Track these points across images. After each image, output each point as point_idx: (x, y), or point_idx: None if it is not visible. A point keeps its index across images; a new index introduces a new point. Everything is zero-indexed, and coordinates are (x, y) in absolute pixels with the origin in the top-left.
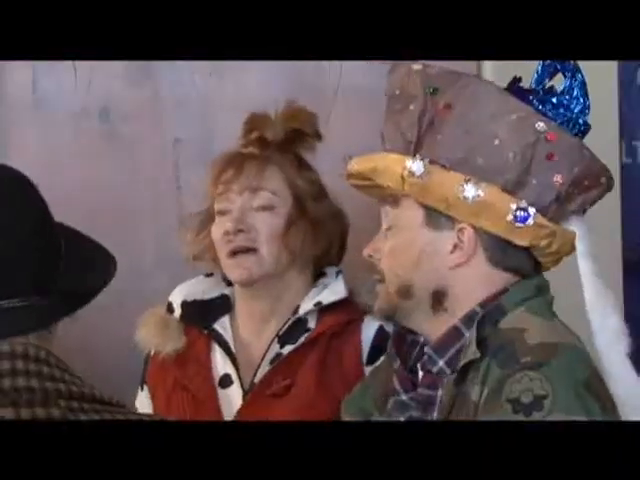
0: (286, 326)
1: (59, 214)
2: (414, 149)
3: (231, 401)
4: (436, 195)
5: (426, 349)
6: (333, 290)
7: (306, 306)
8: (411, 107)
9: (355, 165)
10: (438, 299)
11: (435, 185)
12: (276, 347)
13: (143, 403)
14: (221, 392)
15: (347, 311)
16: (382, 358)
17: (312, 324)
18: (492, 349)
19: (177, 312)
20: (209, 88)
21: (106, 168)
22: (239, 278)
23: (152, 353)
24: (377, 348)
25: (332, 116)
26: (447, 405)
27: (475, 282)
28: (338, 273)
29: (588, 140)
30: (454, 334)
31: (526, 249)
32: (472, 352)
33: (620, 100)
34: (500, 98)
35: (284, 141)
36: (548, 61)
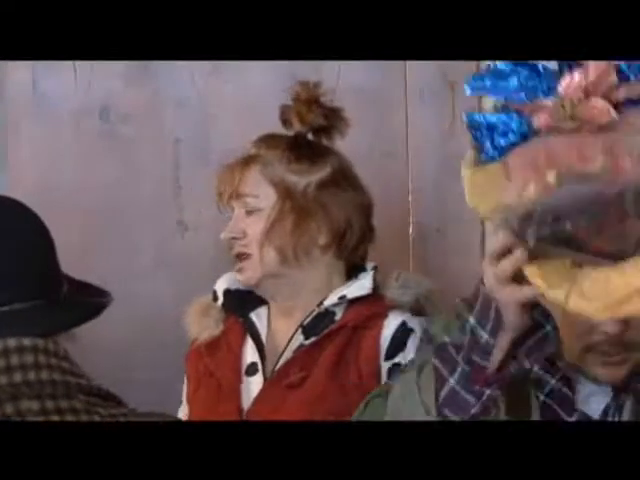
0: (310, 317)
1: (59, 214)
2: None
3: (252, 390)
4: None
5: None
6: (360, 285)
7: (331, 299)
8: None
9: None
10: None
11: None
12: (300, 338)
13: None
14: (246, 380)
15: (373, 305)
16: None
17: (339, 317)
18: None
19: (220, 300)
20: (209, 88)
21: (106, 168)
22: (240, 282)
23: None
24: (397, 344)
25: None
26: None
27: None
28: (375, 268)
29: None
30: None
31: None
32: None
33: None
34: None
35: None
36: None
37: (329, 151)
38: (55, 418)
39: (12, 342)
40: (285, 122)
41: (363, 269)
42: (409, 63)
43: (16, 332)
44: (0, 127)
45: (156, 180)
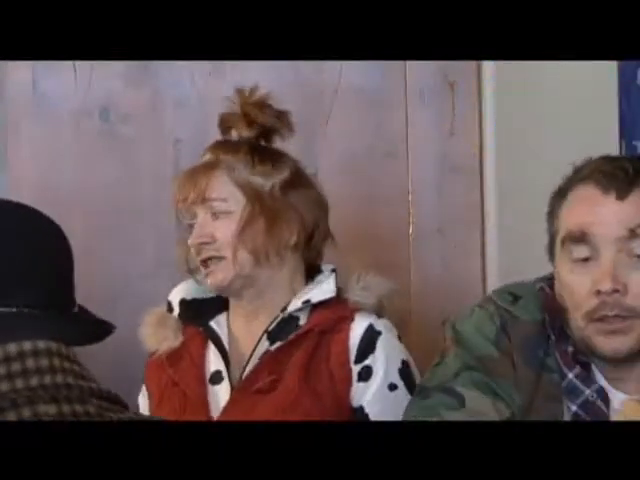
0: (275, 323)
1: (59, 214)
2: None
3: (220, 398)
4: None
5: None
6: (323, 289)
7: (295, 304)
8: None
9: None
10: None
11: None
12: (265, 344)
13: (142, 402)
14: (212, 389)
15: (338, 309)
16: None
17: (303, 321)
18: None
19: (176, 311)
20: (209, 88)
21: (106, 168)
22: (211, 286)
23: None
24: (365, 346)
25: (332, 116)
26: None
27: None
28: (333, 271)
29: (588, 140)
30: None
31: None
32: None
33: (620, 100)
34: None
35: (242, 140)
36: None
37: (283, 153)
38: None
39: (27, 345)
40: (226, 129)
41: (319, 270)
42: (409, 63)
43: (30, 336)
44: (0, 127)
45: (156, 180)
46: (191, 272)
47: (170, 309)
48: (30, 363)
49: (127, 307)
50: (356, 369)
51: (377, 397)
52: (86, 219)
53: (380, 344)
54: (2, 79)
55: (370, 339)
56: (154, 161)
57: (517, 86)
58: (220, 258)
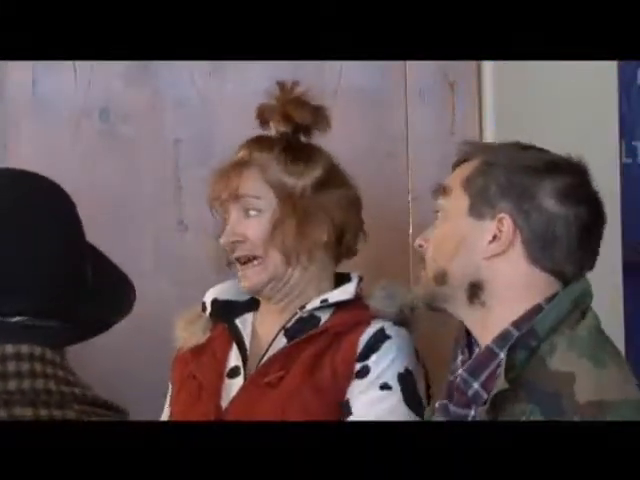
0: (292, 321)
1: None
2: None
3: (233, 390)
4: None
5: (460, 372)
6: (343, 290)
7: (313, 303)
8: None
9: None
10: (474, 291)
11: None
12: (283, 341)
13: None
14: (227, 382)
15: (358, 313)
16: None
17: (324, 322)
18: (538, 394)
19: (208, 310)
20: (209, 88)
21: (106, 168)
22: (245, 289)
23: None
24: (370, 346)
25: (332, 116)
26: None
27: (512, 279)
28: (361, 279)
29: (588, 140)
30: (487, 355)
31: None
32: (501, 383)
33: (620, 100)
34: None
35: (273, 137)
36: None
37: (318, 150)
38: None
39: (9, 349)
40: (264, 122)
41: (349, 279)
42: (409, 63)
43: (15, 340)
44: (0, 127)
45: (156, 180)
46: (229, 266)
47: (204, 309)
48: (11, 367)
49: None
50: (357, 367)
51: (364, 392)
52: (85, 219)
53: (385, 346)
54: (2, 79)
55: (377, 340)
56: (154, 161)
57: (517, 86)
58: (255, 258)
